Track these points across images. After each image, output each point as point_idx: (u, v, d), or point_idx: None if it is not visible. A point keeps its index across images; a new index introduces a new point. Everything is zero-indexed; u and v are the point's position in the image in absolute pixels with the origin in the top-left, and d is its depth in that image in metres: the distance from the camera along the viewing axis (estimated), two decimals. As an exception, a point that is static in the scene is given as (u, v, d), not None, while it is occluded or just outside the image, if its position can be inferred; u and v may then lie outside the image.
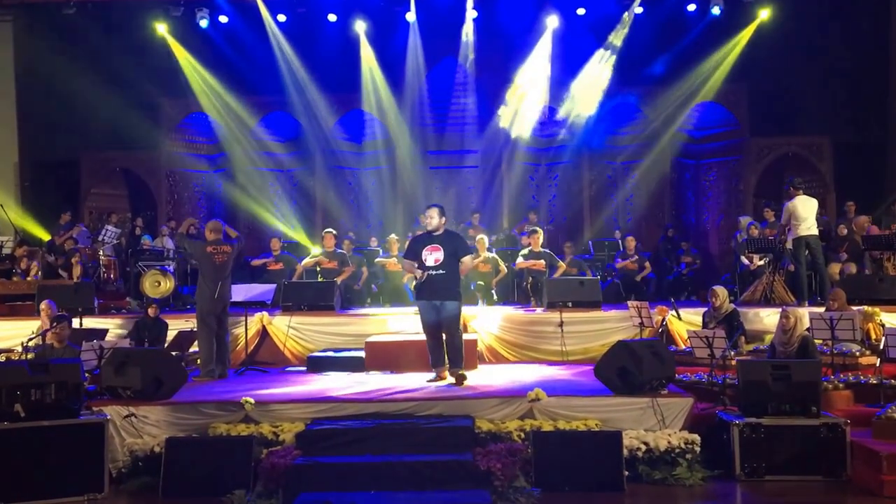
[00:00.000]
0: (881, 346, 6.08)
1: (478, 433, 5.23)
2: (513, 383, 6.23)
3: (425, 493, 4.70)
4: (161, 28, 11.85)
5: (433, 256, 6.19)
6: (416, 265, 6.21)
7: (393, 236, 10.26)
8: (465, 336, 7.31)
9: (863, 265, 8.85)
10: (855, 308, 7.00)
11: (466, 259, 6.35)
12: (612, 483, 4.97)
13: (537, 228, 9.66)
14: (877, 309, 7.19)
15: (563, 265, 9.28)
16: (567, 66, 12.01)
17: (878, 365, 6.06)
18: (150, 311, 7.55)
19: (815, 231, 8.07)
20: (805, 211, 7.99)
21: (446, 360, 6.30)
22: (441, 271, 6.15)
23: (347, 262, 9.58)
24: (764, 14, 11.31)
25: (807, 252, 8.01)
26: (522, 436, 5.20)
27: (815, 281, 8.25)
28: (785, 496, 4.88)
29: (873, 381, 5.97)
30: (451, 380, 6.23)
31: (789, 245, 8.07)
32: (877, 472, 4.80)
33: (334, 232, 9.95)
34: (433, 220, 6.26)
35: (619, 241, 11.05)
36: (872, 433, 5.19)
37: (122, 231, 10.90)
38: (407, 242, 10.03)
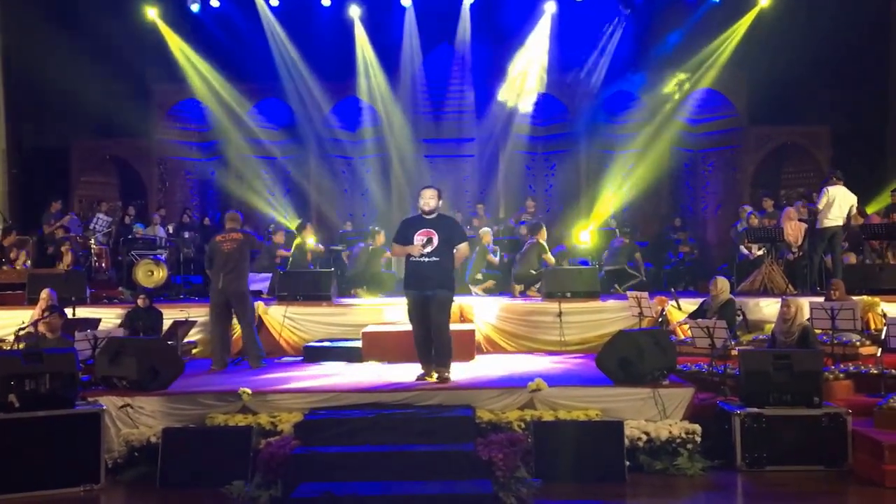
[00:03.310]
0: (882, 336, 6.06)
1: (478, 423, 5.19)
2: (512, 373, 6.18)
3: (426, 482, 4.63)
4: (151, 13, 11.66)
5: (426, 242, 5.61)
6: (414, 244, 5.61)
7: (377, 228, 9.79)
8: (463, 326, 7.28)
9: (863, 255, 8.83)
10: (855, 298, 6.99)
11: (463, 247, 5.76)
12: (613, 473, 4.94)
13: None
14: (877, 299, 7.19)
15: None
16: (564, 52, 11.90)
17: (878, 355, 6.04)
18: (140, 302, 7.48)
19: (840, 223, 8.04)
20: (842, 201, 7.95)
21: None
22: (434, 258, 5.58)
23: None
24: (763, 1, 11.23)
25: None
26: (523, 426, 5.17)
27: (819, 271, 8.23)
28: (786, 486, 4.86)
29: (874, 371, 5.97)
30: (434, 378, 5.69)
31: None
32: (878, 462, 4.80)
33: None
34: (431, 201, 5.64)
35: (617, 232, 10.99)
36: (874, 423, 5.20)
37: (113, 220, 10.75)
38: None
